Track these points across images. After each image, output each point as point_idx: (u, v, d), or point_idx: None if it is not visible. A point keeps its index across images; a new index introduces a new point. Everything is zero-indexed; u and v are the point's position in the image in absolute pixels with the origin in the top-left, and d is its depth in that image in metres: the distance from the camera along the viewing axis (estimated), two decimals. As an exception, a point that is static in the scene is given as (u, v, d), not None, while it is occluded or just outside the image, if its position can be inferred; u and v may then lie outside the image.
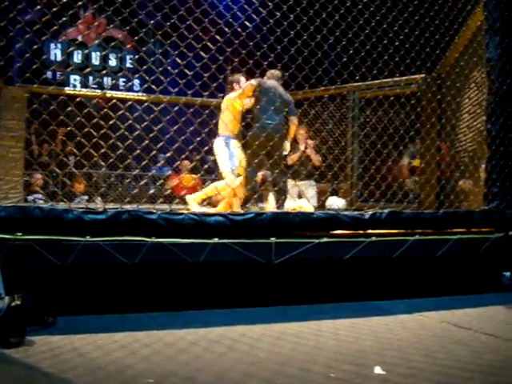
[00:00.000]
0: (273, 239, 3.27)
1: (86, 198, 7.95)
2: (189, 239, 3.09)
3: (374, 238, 3.53)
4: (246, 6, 4.45)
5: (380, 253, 3.55)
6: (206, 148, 5.61)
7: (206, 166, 6.64)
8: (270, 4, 4.17)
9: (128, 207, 3.15)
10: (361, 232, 3.60)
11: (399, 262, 3.60)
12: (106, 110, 4.54)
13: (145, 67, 4.09)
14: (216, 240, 3.15)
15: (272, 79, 5.93)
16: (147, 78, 4.44)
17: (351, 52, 4.16)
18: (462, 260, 3.83)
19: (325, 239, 3.39)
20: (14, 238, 2.84)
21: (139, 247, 3.01)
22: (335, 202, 6.43)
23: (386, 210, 3.66)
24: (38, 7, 5.13)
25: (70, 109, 4.42)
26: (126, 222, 3.02)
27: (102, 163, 5.66)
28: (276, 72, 5.91)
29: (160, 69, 4.48)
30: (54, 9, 3.90)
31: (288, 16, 4.05)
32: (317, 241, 3.35)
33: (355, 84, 5.78)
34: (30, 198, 7.31)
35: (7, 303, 2.54)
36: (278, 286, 3.38)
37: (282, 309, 3.28)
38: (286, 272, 3.36)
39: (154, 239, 3.04)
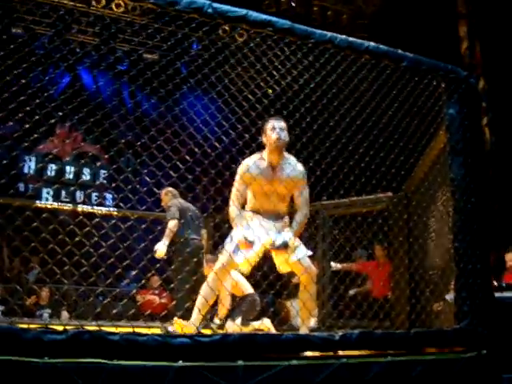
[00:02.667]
0: (240, 362, 3.14)
1: (49, 312, 7.75)
2: (152, 361, 2.95)
3: (345, 360, 3.42)
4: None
5: (353, 374, 3.43)
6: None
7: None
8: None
9: (92, 327, 3.03)
10: (331, 354, 3.50)
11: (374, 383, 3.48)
12: (74, 223, 4.54)
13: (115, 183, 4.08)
14: (180, 363, 3.01)
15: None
16: (116, 193, 4.51)
17: (318, 172, 4.28)
18: (436, 381, 3.73)
19: (294, 361, 3.27)
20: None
21: (100, 370, 2.86)
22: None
23: (356, 331, 3.58)
24: (11, 123, 5.24)
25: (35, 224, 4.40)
26: (87, 342, 2.89)
27: (68, 276, 5.54)
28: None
29: (129, 186, 4.54)
30: (28, 125, 3.99)
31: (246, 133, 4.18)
32: (286, 363, 3.23)
33: (324, 202, 5.89)
34: (39, 312, 7.23)
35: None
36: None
37: None
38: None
39: (115, 362, 2.90)
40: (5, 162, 6.56)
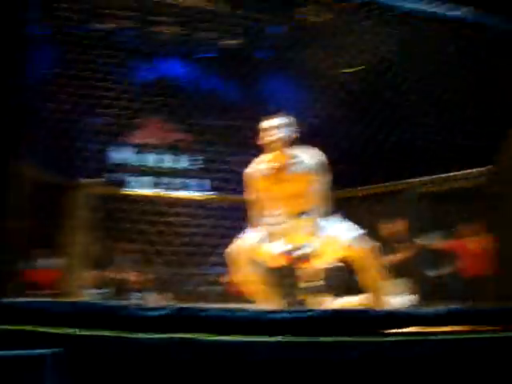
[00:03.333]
0: (332, 338, 3.12)
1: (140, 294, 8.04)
2: (250, 336, 2.98)
3: (441, 336, 3.33)
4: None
5: (451, 350, 3.32)
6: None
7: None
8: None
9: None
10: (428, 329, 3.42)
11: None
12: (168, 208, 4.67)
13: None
14: (280, 338, 3.02)
15: None
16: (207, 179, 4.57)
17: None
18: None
19: (389, 338, 3.22)
20: (68, 333, 2.83)
21: (196, 345, 2.93)
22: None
23: (453, 306, 3.48)
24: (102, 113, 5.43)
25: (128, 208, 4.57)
26: (184, 318, 2.97)
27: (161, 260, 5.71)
28: None
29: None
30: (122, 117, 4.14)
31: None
32: (380, 339, 3.18)
33: (411, 180, 5.72)
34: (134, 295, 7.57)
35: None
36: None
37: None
38: (346, 373, 3.18)
39: (211, 336, 2.95)
40: (104, 152, 6.81)
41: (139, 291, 7.98)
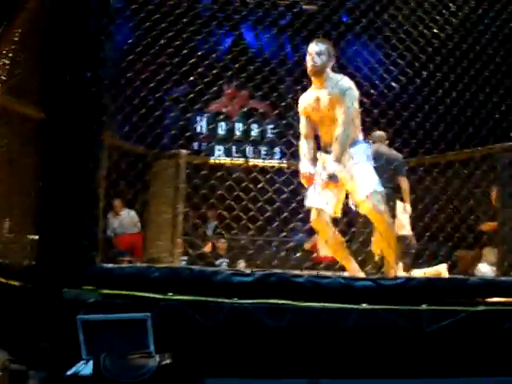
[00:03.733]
0: (424, 306, 3.08)
1: (227, 261, 8.18)
2: (336, 304, 3.00)
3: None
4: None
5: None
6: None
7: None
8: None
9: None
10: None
11: None
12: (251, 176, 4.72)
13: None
14: (364, 305, 3.03)
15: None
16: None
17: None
18: None
19: (481, 307, 3.15)
20: (165, 298, 2.94)
21: (286, 311, 2.97)
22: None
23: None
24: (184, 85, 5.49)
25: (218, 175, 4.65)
26: (273, 284, 3.01)
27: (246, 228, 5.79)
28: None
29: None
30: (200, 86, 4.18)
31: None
32: (473, 309, 3.12)
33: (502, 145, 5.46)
34: (217, 262, 7.70)
35: (157, 362, 2.60)
36: (429, 356, 3.16)
37: (432, 381, 3.07)
38: (437, 342, 3.15)
39: (300, 303, 2.99)
40: (181, 122, 6.93)
41: (222, 257, 8.16)
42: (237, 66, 4.72)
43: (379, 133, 5.89)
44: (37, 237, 3.29)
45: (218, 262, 8.12)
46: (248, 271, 3.08)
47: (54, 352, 2.86)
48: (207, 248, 8.23)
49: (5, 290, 3.56)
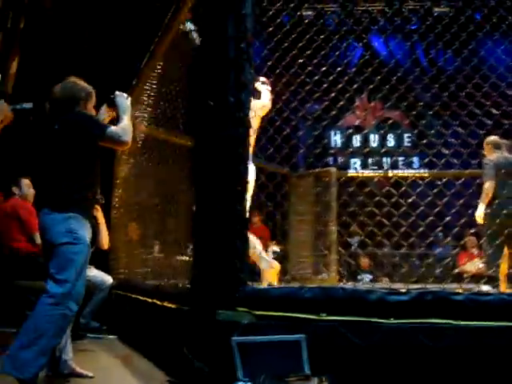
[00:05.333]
0: None
1: (370, 277, 8.02)
2: (500, 322, 2.80)
3: None
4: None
5: None
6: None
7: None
8: None
9: (431, 287, 3.01)
10: None
11: None
12: (387, 188, 4.59)
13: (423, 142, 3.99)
14: (530, 323, 2.80)
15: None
16: (428, 153, 4.38)
17: None
18: None
19: None
20: (318, 318, 2.90)
21: (445, 330, 2.82)
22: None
23: None
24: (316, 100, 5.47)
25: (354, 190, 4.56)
26: (431, 303, 2.87)
27: (386, 242, 5.63)
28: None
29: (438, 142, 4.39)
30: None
31: None
32: None
33: None
34: (360, 277, 7.63)
35: (316, 385, 2.55)
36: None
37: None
38: None
39: (460, 322, 2.82)
40: (312, 139, 6.94)
41: (369, 273, 8.01)
42: (364, 76, 4.63)
43: (505, 141, 5.60)
44: (188, 258, 3.40)
45: (360, 277, 8.01)
46: (403, 289, 2.96)
47: (210, 373, 2.91)
48: (356, 263, 8.18)
49: (161, 311, 3.70)
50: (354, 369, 2.85)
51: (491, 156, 5.53)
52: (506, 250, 5.20)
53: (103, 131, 3.23)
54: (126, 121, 3.34)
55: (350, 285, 5.29)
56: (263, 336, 2.79)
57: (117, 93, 3.46)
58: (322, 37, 4.39)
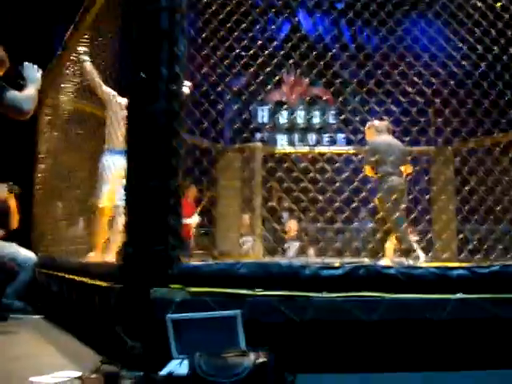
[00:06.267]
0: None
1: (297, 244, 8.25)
2: (430, 294, 2.89)
3: None
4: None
5: None
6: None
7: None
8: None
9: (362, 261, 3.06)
10: None
11: None
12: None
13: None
14: (459, 295, 2.90)
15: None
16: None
17: None
18: None
19: None
20: (253, 294, 2.89)
21: (377, 304, 2.88)
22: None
23: None
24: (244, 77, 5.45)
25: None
26: (363, 277, 2.93)
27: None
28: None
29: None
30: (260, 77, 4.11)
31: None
32: None
33: None
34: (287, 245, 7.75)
35: (252, 360, 2.54)
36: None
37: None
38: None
39: (392, 295, 2.89)
40: (241, 114, 6.93)
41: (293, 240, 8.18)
42: (296, 53, 4.63)
43: (386, 123, 6.02)
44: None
45: (287, 245, 8.20)
46: (337, 264, 3.00)
47: (145, 352, 2.86)
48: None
49: (92, 290, 3.60)
50: (290, 343, 2.87)
51: (373, 139, 6.02)
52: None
53: (2, 92, 3.04)
54: (31, 91, 3.15)
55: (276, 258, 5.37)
56: (198, 312, 2.77)
57: (25, 64, 3.27)
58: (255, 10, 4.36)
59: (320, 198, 4.25)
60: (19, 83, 3.18)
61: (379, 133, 6.07)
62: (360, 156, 6.20)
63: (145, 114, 3.01)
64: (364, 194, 4.40)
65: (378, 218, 5.51)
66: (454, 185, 6.42)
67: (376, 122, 6.18)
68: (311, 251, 8.06)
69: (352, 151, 7.13)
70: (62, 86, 5.40)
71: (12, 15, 7.57)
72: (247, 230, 7.47)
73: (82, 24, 4.64)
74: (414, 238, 7.68)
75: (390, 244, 5.81)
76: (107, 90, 4.34)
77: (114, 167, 4.28)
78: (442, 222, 6.19)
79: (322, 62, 4.57)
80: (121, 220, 4.10)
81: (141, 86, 3.05)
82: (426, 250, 5.73)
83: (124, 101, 4.41)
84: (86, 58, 4.45)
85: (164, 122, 2.96)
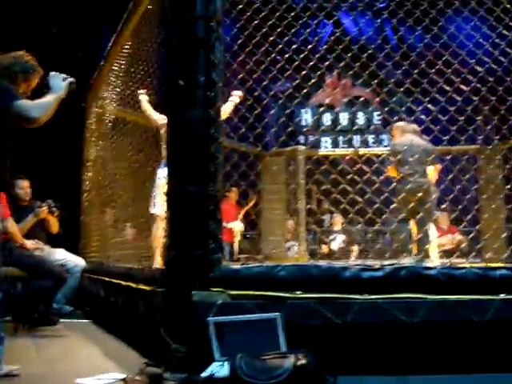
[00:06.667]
0: None
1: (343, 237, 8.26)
2: (473, 295, 2.85)
3: None
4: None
5: None
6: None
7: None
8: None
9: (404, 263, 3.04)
10: None
11: None
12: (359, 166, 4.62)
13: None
14: (503, 296, 2.85)
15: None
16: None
17: None
18: None
19: None
20: (293, 296, 2.91)
21: (419, 305, 2.86)
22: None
23: None
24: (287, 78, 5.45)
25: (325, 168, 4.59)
26: (404, 278, 2.91)
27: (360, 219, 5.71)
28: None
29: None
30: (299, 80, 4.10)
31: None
32: None
33: None
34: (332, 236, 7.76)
35: (293, 362, 2.56)
36: None
37: None
38: None
39: (434, 296, 2.86)
40: (283, 118, 6.95)
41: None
42: (335, 54, 4.61)
43: (414, 125, 5.98)
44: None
45: (331, 237, 8.25)
46: (377, 266, 2.99)
47: (188, 354, 2.91)
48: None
49: (137, 294, 3.68)
50: (331, 345, 2.88)
51: (397, 140, 6.02)
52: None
53: (12, 100, 3.02)
54: (47, 98, 3.13)
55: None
56: (239, 315, 2.80)
57: (51, 73, 3.31)
58: (291, 14, 4.36)
59: (359, 199, 4.21)
60: (44, 92, 3.21)
61: (404, 133, 6.03)
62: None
63: (183, 121, 3.07)
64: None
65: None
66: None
67: (401, 123, 6.15)
68: (355, 247, 8.12)
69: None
70: (111, 95, 5.51)
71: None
72: (292, 234, 7.49)
73: (125, 31, 4.75)
74: (458, 237, 7.59)
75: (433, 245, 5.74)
76: (161, 117, 4.49)
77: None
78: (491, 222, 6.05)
79: (365, 62, 4.52)
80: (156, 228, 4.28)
81: (179, 94, 3.11)
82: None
83: None
84: (143, 96, 4.67)
85: (201, 129, 3.01)
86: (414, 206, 5.15)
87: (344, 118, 10.83)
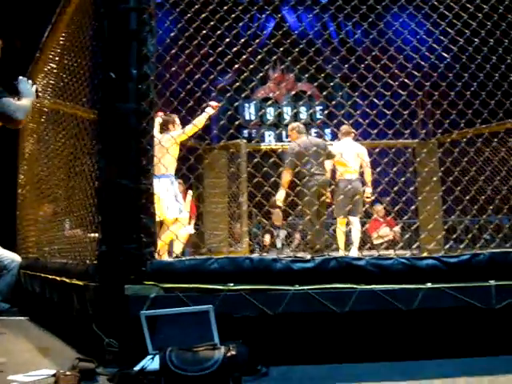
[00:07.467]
0: (492, 282, 2.98)
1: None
2: (400, 285, 2.93)
3: None
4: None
5: None
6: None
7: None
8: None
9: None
10: None
11: None
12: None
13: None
14: (429, 285, 2.95)
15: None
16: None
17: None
18: None
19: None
20: (226, 288, 2.93)
21: (349, 295, 2.93)
22: None
23: None
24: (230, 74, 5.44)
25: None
26: (334, 269, 2.97)
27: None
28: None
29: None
30: (245, 74, 4.11)
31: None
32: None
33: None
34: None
35: (223, 353, 2.59)
36: (499, 332, 3.05)
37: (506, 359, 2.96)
38: (507, 318, 3.04)
39: (363, 286, 2.94)
40: (229, 112, 6.95)
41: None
42: (281, 49, 4.63)
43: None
44: (96, 235, 3.34)
45: (275, 233, 8.33)
46: (308, 257, 3.05)
47: (121, 348, 2.90)
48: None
49: (71, 290, 3.63)
50: (263, 336, 2.92)
51: (296, 140, 6.08)
52: None
53: None
54: (25, 103, 3.12)
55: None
56: (171, 308, 2.81)
57: (20, 78, 3.27)
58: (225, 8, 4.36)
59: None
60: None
61: (301, 134, 6.15)
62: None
63: (115, 113, 3.04)
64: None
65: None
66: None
67: (295, 124, 6.36)
68: (298, 235, 8.23)
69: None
70: (46, 87, 5.38)
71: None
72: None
73: (59, 23, 4.65)
74: (396, 229, 7.77)
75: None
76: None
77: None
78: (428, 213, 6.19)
79: (305, 58, 4.55)
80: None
81: (111, 86, 3.08)
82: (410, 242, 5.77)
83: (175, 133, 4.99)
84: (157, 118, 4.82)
85: (133, 122, 3.00)
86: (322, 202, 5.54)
87: (288, 113, 10.90)
